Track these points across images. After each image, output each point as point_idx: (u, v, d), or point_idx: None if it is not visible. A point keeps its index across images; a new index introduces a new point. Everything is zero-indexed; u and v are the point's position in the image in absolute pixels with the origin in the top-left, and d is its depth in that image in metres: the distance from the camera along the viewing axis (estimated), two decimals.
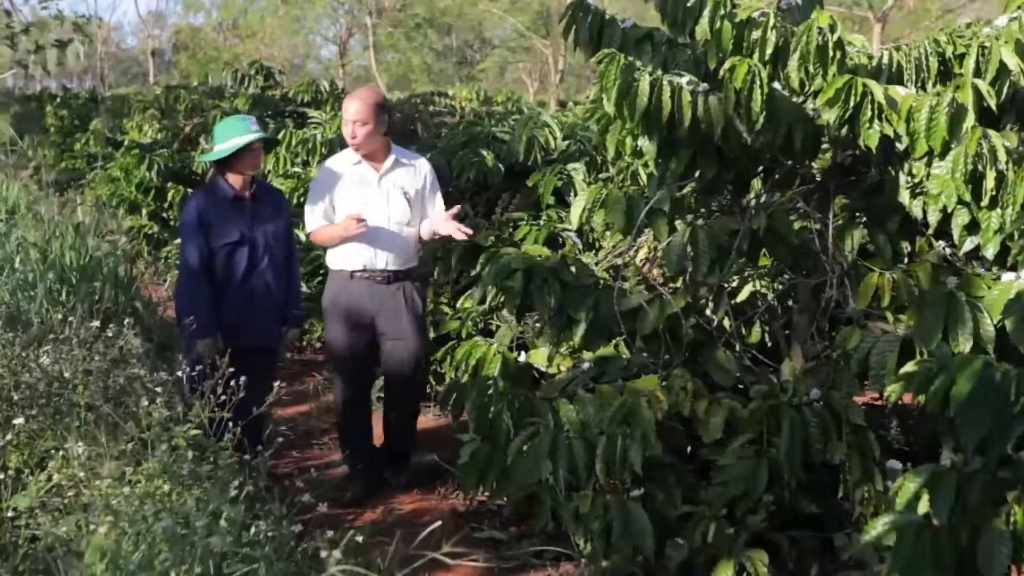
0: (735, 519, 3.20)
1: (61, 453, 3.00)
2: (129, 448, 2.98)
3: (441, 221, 4.10)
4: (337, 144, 7.35)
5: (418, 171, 4.14)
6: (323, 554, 2.24)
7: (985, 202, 3.11)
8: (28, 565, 2.50)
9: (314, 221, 4.10)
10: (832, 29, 3.25)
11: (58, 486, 2.87)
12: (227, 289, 3.88)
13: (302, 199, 7.02)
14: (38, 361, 3.71)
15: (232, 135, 3.86)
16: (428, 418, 5.04)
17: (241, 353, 3.41)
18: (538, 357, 4.39)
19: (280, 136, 7.38)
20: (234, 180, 3.92)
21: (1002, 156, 3.04)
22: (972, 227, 3.23)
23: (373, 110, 3.99)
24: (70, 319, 4.12)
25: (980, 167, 3.06)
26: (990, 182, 3.05)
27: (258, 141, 3.90)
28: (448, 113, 7.95)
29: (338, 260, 4.08)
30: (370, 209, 3.99)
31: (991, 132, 3.09)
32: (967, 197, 3.12)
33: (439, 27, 32.02)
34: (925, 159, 3.21)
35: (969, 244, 3.26)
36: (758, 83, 3.20)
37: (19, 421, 3.14)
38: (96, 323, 4.07)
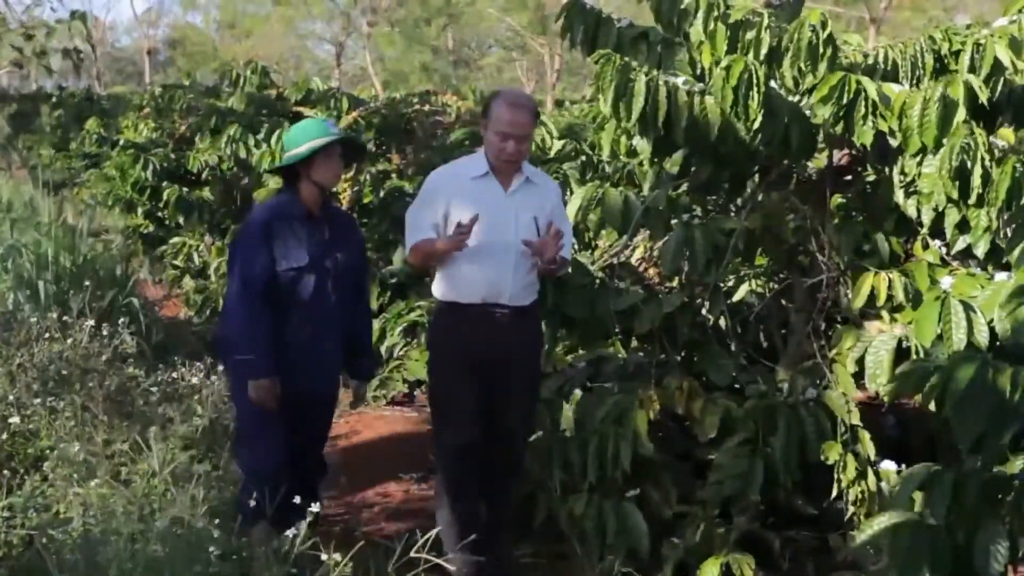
0: (731, 518, 3.21)
1: (57, 452, 2.99)
2: (125, 448, 2.98)
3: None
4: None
5: (548, 192, 3.42)
6: (323, 556, 2.25)
7: (972, 200, 3.09)
8: (25, 564, 2.50)
9: (418, 234, 3.26)
10: (824, 26, 3.26)
11: (54, 486, 2.87)
12: (287, 323, 3.23)
13: None
14: (34, 361, 3.71)
15: (309, 137, 3.23)
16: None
17: (298, 402, 3.18)
18: None
19: (278, 134, 7.37)
20: (307, 194, 3.26)
21: (986, 153, 3.03)
22: (963, 225, 3.23)
23: (536, 121, 3.38)
24: (66, 319, 4.12)
25: (968, 163, 3.05)
26: (976, 179, 3.04)
27: (338, 144, 3.28)
28: (442, 112, 7.94)
29: (449, 290, 3.28)
30: (495, 232, 3.22)
31: (976, 129, 3.09)
32: (955, 195, 3.11)
33: (436, 26, 32.01)
34: (918, 157, 3.22)
35: (961, 243, 3.26)
36: (755, 81, 3.20)
37: (15, 420, 3.14)
38: (91, 322, 4.07)
